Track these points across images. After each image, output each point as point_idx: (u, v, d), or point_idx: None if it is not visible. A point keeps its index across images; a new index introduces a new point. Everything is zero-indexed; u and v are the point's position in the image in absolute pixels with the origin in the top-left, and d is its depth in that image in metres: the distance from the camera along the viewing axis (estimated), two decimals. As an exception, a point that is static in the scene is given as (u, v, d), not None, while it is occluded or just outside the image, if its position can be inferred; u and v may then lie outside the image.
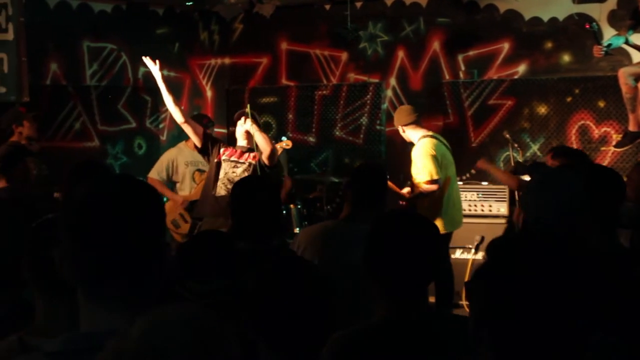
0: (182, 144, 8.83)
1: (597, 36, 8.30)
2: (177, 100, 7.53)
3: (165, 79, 7.45)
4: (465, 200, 9.04)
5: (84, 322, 1.85)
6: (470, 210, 9.10)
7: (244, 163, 7.33)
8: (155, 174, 8.66)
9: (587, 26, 8.43)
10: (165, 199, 8.95)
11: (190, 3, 10.36)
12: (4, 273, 2.96)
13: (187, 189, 8.63)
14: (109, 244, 1.81)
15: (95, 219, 1.83)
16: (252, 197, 4.27)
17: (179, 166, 8.62)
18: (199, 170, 8.61)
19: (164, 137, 10.88)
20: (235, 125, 7.63)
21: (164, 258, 1.91)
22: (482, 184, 9.37)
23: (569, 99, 9.78)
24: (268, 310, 2.38)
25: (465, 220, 8.53)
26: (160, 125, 10.87)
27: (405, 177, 10.52)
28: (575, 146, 9.44)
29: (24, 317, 2.77)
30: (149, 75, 10.54)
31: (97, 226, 1.82)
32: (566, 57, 9.78)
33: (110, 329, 1.75)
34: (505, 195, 9.09)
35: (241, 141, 7.50)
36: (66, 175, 5.12)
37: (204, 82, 11.58)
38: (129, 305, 1.81)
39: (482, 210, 9.15)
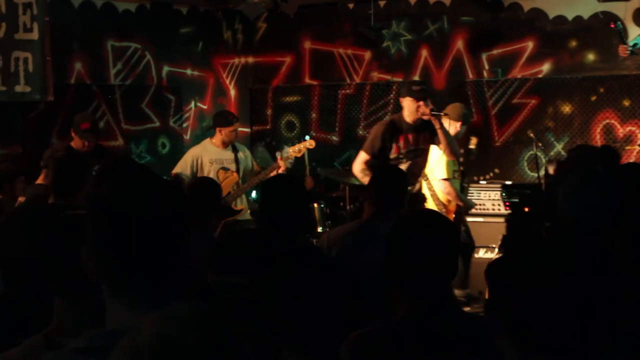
0: (206, 141, 8.80)
1: (622, 35, 8.25)
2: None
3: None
4: (489, 199, 9.02)
5: (109, 320, 1.87)
6: (494, 209, 9.07)
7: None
8: (180, 171, 8.66)
9: (612, 25, 8.38)
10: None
11: None
12: (24, 272, 2.98)
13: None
14: (133, 243, 1.83)
15: (119, 218, 1.84)
16: (275, 196, 4.28)
17: (203, 164, 8.59)
18: (223, 168, 8.59)
19: (187, 136, 10.92)
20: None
21: (188, 256, 1.92)
22: (506, 183, 9.33)
23: (593, 98, 9.73)
24: (288, 310, 2.39)
25: (489, 219, 8.56)
26: (184, 125, 10.90)
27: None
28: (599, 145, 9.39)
29: (45, 316, 2.78)
30: (172, 74, 10.63)
31: (121, 225, 1.84)
32: (591, 56, 9.73)
33: (134, 326, 1.77)
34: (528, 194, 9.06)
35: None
36: (98, 172, 5.14)
37: (227, 81, 11.61)
38: (153, 303, 1.82)
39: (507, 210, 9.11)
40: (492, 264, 2.04)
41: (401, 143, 7.48)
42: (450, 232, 2.97)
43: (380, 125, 7.63)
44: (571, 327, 1.85)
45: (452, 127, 7.92)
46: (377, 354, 2.74)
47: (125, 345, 1.49)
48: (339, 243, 4.88)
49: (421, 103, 7.30)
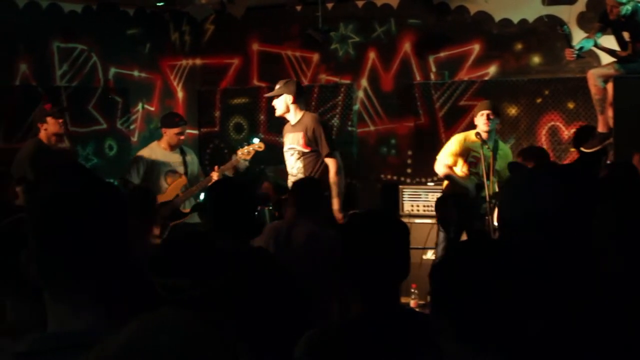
0: (154, 144, 8.75)
1: (568, 39, 8.36)
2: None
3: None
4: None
5: (51, 323, 1.85)
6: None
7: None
8: (128, 174, 8.60)
9: (560, 30, 8.49)
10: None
11: (161, 4, 10.33)
12: None
13: (159, 190, 8.57)
14: (74, 245, 1.82)
15: (59, 220, 1.84)
16: (230, 197, 4.26)
17: (151, 167, 8.55)
18: (171, 171, 8.55)
19: (134, 138, 10.84)
20: None
21: (130, 258, 1.92)
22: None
23: (539, 100, 9.85)
24: (244, 311, 2.39)
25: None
26: (131, 127, 10.82)
27: (376, 177, 10.56)
28: (545, 147, 9.50)
29: None
30: (119, 76, 10.55)
31: (61, 227, 1.83)
32: (536, 59, 9.85)
33: (77, 329, 1.78)
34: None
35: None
36: (43, 175, 5.11)
37: (175, 83, 11.54)
38: (96, 305, 1.83)
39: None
40: (435, 265, 2.09)
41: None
42: (401, 232, 3.01)
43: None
44: (512, 325, 1.90)
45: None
46: (332, 351, 2.76)
47: (95, 354, 1.48)
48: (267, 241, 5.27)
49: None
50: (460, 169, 8.32)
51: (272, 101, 8.10)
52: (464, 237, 8.25)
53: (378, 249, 2.90)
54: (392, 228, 3.01)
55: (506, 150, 8.44)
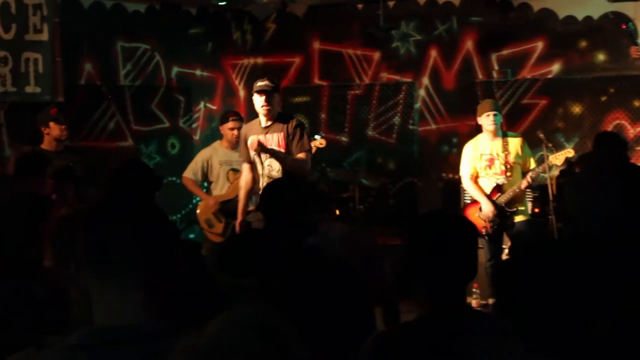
0: (216, 144, 8.83)
1: (634, 37, 8.23)
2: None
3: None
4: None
5: (98, 317, 1.90)
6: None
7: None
8: (191, 173, 8.69)
9: (624, 27, 8.37)
10: (198, 199, 8.98)
11: (223, 3, 10.39)
12: (8, 265, 3.03)
13: (221, 189, 8.65)
14: (123, 242, 1.86)
15: (106, 218, 1.87)
16: (280, 197, 4.25)
17: (213, 166, 8.62)
18: (233, 169, 8.61)
19: (197, 137, 10.93)
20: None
21: (179, 255, 1.95)
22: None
23: (603, 98, 9.70)
24: (303, 309, 2.39)
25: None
26: (194, 125, 10.91)
27: (437, 176, 10.50)
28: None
29: (28, 309, 2.81)
30: (182, 75, 10.64)
31: (108, 225, 1.87)
32: (601, 56, 9.71)
33: (123, 324, 1.84)
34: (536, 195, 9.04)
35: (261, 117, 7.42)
36: (110, 174, 5.15)
37: (236, 82, 11.61)
38: (143, 301, 1.87)
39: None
40: (501, 267, 2.06)
41: None
42: (469, 232, 2.98)
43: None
44: (578, 325, 1.86)
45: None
46: (398, 353, 2.74)
47: (186, 347, 1.52)
48: None
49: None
50: (480, 173, 8.32)
51: (266, 94, 7.31)
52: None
53: (447, 249, 2.87)
54: (461, 228, 2.98)
55: (515, 142, 8.33)
